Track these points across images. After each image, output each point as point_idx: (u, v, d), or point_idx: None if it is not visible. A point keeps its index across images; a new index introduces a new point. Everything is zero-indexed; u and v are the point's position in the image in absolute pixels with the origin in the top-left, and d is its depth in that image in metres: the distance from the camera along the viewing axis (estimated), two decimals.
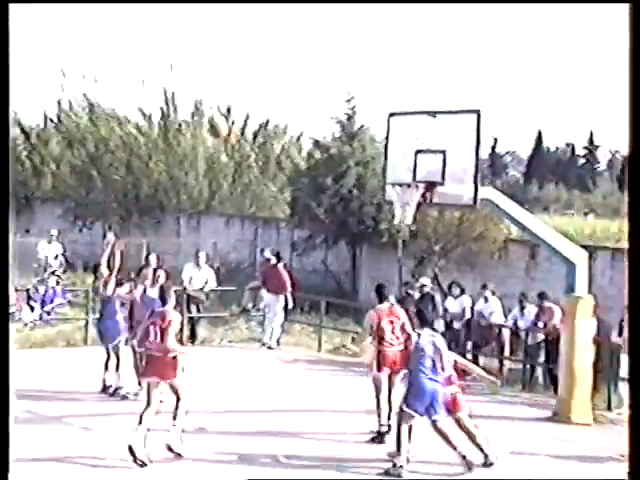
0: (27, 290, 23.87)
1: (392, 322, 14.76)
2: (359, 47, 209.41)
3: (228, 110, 41.23)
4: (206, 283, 23.64)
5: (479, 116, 15.88)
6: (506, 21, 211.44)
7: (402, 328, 14.67)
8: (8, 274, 8.98)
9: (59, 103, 43.86)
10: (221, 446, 13.89)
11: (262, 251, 25.47)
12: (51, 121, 45.16)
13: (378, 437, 14.47)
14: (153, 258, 23.68)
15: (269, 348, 22.31)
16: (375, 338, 14.73)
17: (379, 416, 14.56)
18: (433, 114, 16.37)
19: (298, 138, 41.82)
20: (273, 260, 22.83)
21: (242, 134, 40.84)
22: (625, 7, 9.21)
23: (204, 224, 36.39)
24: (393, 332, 14.68)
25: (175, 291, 19.61)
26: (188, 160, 38.27)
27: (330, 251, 30.43)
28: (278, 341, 22.65)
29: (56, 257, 27.83)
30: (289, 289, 22.49)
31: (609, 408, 16.68)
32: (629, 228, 9.58)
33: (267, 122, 41.61)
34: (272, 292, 22.47)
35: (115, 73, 46.33)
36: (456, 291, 21.33)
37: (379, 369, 14.61)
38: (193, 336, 23.21)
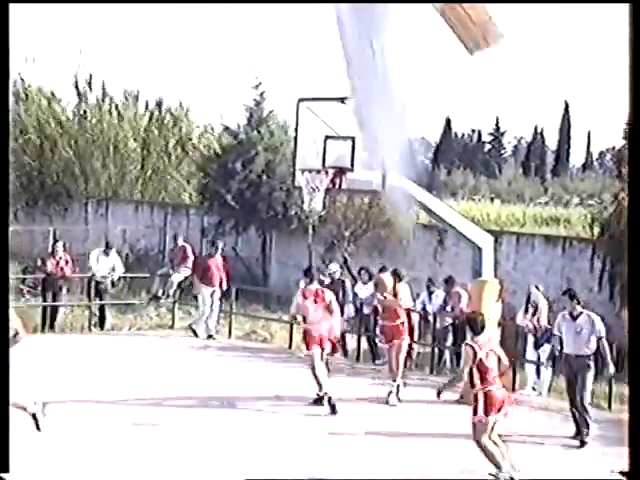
0: None
1: (316, 302, 15.56)
2: (266, 33, 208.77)
3: (136, 95, 40.92)
4: (113, 270, 23.47)
5: None
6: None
7: (327, 308, 15.57)
8: (8, 271, 8.69)
9: None
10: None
11: (175, 238, 25.39)
12: None
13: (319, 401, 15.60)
14: (58, 246, 23.53)
15: (210, 337, 22.10)
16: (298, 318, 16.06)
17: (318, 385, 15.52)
18: (342, 100, 16.43)
19: (207, 125, 41.61)
20: (213, 251, 22.63)
21: (150, 120, 40.49)
22: (625, 7, 9.19)
23: (112, 211, 36.11)
24: (316, 312, 15.51)
25: (82, 278, 19.56)
26: (96, 145, 37.90)
27: (240, 237, 30.43)
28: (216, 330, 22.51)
29: None
30: (225, 280, 22.43)
31: (513, 389, 16.97)
32: (629, 227, 9.52)
33: (180, 107, 41.29)
34: (209, 283, 22.15)
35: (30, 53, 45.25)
36: (365, 277, 21.45)
37: (308, 347, 15.58)
38: (102, 323, 23.09)
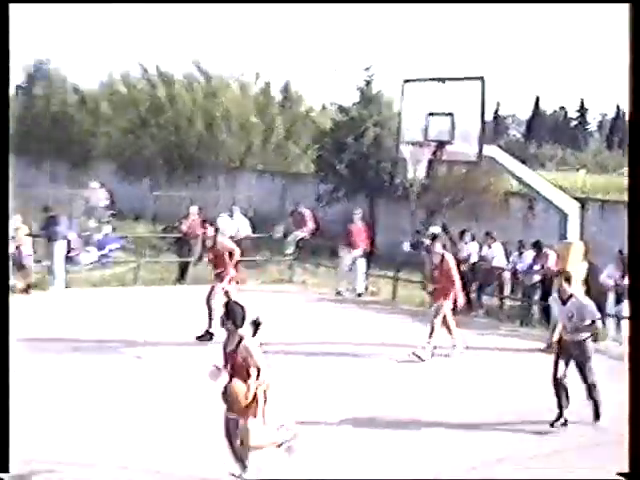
0: (85, 236, 23.94)
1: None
2: (376, 21, 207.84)
3: (257, 75, 41.11)
4: (238, 231, 23.82)
5: (483, 82, 16.06)
6: None
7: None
8: (8, 270, 8.24)
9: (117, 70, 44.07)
10: None
11: (295, 204, 25.58)
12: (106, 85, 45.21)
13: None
14: (194, 209, 23.96)
15: (359, 295, 22.15)
16: None
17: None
18: (442, 80, 16.38)
19: (323, 104, 41.78)
20: (353, 217, 22.83)
21: (271, 98, 40.67)
22: (625, 7, 8.67)
23: (239, 179, 36.40)
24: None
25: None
26: (224, 120, 38.23)
27: (350, 203, 30.44)
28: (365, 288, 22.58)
29: (106, 206, 27.87)
30: (367, 244, 22.65)
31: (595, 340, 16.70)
32: (629, 226, 9.06)
33: (299, 88, 41.51)
34: (349, 246, 22.29)
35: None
36: (467, 238, 21.35)
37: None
38: None
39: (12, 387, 12.17)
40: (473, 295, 20.28)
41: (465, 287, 19.91)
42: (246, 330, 9.08)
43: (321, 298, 21.71)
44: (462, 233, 21.76)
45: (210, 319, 16.07)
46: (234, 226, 23.79)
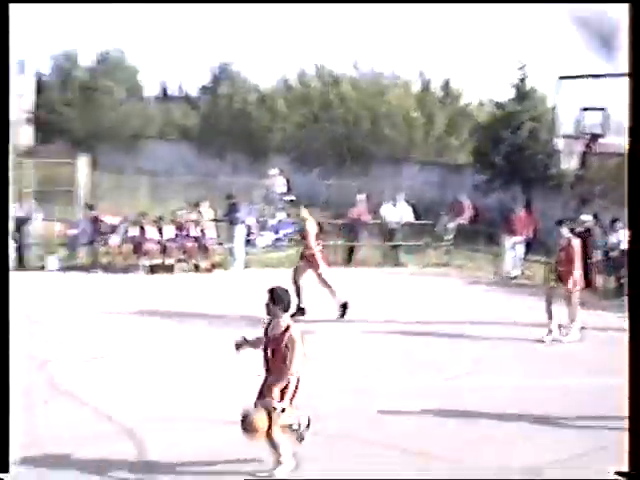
0: (262, 221, 24.38)
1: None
2: (528, 21, 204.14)
3: (420, 74, 41.03)
4: (402, 218, 23.92)
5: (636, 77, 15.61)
6: None
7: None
8: (8, 267, 7.88)
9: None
10: None
11: (454, 193, 25.49)
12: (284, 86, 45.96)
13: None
14: (362, 197, 24.15)
15: (513, 278, 22.00)
16: None
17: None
18: (596, 76, 16.05)
19: (480, 100, 41.42)
20: (516, 208, 22.74)
21: (429, 94, 40.55)
22: (625, 7, 8.05)
23: (403, 170, 36.42)
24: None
25: (377, 223, 19.78)
26: (389, 116, 38.33)
27: (506, 193, 30.11)
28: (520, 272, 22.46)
29: (282, 193, 28.29)
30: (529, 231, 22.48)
31: None
32: (629, 228, 8.70)
33: (458, 85, 41.25)
34: (511, 234, 22.18)
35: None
36: (618, 226, 20.88)
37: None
38: (396, 260, 23.51)
39: (200, 356, 12.57)
40: (623, 280, 19.80)
41: (612, 272, 19.49)
42: (289, 316, 8.68)
43: (477, 281, 21.56)
44: (613, 222, 21.28)
45: (299, 296, 16.05)
46: (397, 213, 23.87)
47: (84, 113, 53.47)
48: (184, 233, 21.19)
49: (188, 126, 49.79)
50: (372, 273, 21.95)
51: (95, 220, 20.98)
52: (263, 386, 8.59)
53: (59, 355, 12.96)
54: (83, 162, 24.32)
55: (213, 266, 21.15)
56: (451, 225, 24.13)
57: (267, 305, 8.60)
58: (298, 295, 15.95)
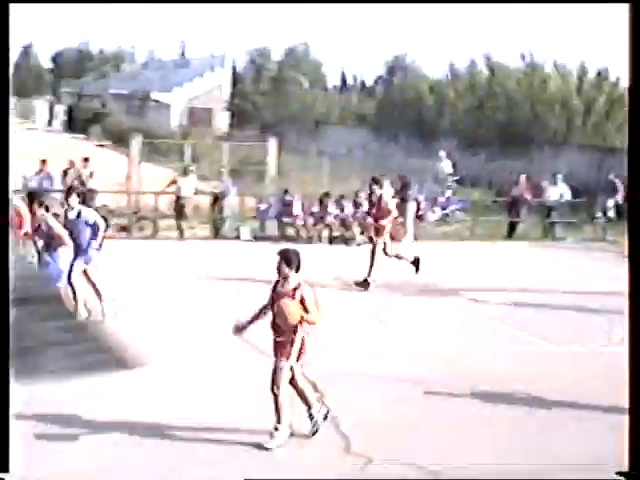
0: (432, 198, 24.24)
1: None
2: None
3: (581, 63, 39.84)
4: (561, 196, 23.49)
5: None
6: None
7: None
8: (8, 268, 7.29)
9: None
10: None
11: (611, 174, 24.77)
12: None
13: None
14: (522, 178, 23.78)
15: None
16: None
17: None
18: None
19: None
20: None
21: (588, 83, 39.32)
22: (625, 7, 7.30)
23: (562, 153, 35.53)
24: None
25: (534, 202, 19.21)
26: (549, 103, 37.50)
27: None
28: None
29: (450, 174, 28.04)
30: None
31: None
32: (629, 228, 7.79)
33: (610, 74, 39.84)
34: None
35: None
36: None
37: None
38: (554, 235, 23.05)
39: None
40: None
41: None
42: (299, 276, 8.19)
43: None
44: None
45: (371, 268, 15.54)
46: (556, 192, 23.54)
47: (273, 102, 54.55)
48: (362, 209, 21.41)
49: (365, 113, 50.04)
50: (531, 247, 21.57)
51: (283, 196, 21.40)
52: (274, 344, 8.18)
53: None
54: (272, 145, 24.83)
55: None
56: (608, 204, 23.53)
57: (278, 266, 8.14)
58: (371, 265, 15.51)
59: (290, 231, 21.25)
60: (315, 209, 21.36)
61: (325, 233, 21.25)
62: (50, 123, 71.94)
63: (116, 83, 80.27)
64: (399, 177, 22.90)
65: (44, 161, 20.96)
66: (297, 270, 8.15)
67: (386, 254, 15.55)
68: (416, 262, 15.78)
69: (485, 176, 34.39)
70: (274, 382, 7.99)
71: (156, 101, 65.09)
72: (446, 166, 27.97)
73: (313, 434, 8.24)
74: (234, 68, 65.10)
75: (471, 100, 40.48)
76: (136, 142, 24.22)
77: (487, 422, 8.79)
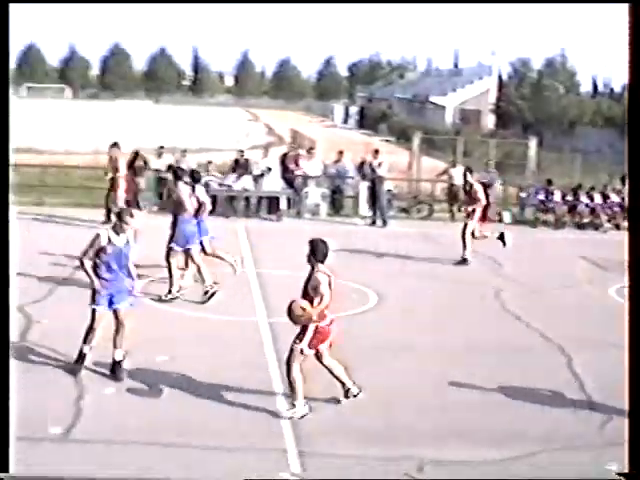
0: None
1: None
2: None
3: None
4: None
5: None
6: None
7: None
8: (8, 266, 6.23)
9: None
10: None
11: None
12: None
13: None
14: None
15: None
16: None
17: None
18: None
19: None
20: None
21: None
22: (625, 7, 6.33)
23: None
24: None
25: None
26: None
27: None
28: None
29: None
30: None
31: None
32: (629, 228, 6.72)
33: None
34: None
35: None
36: None
37: None
38: None
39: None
40: None
41: None
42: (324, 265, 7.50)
43: None
44: None
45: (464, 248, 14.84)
46: None
47: (533, 105, 53.18)
48: (609, 200, 20.65)
49: (612, 116, 47.63)
50: None
51: (547, 186, 20.98)
52: None
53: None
54: (533, 142, 24.24)
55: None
56: None
57: (308, 256, 7.56)
58: (464, 247, 14.88)
59: (546, 217, 20.75)
60: (569, 198, 20.79)
61: (576, 219, 20.66)
62: (345, 121, 74.17)
63: (400, 89, 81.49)
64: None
65: (341, 152, 21.69)
66: (320, 260, 7.48)
67: (473, 236, 15.08)
68: (502, 237, 15.07)
69: None
70: (286, 362, 7.55)
71: (433, 104, 65.47)
72: None
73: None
74: (500, 76, 64.20)
75: None
76: (417, 138, 24.58)
77: None
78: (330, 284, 7.47)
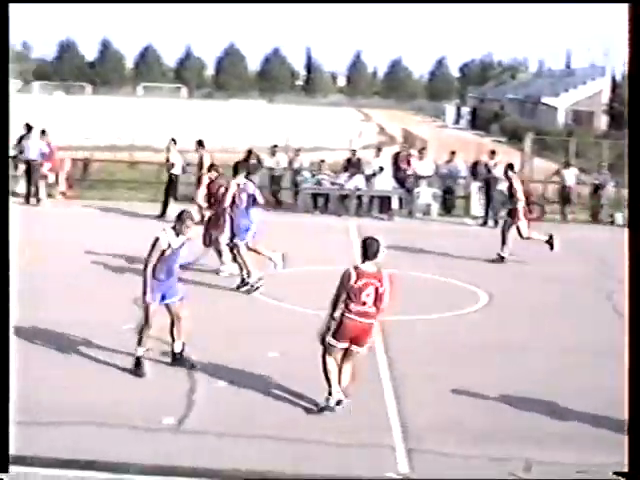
0: None
1: None
2: None
3: None
4: None
5: None
6: None
7: None
8: (8, 264, 6.03)
9: None
10: None
11: None
12: None
13: None
14: None
15: None
16: None
17: None
18: None
19: None
20: None
21: None
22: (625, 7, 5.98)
23: None
24: None
25: None
26: None
27: None
28: None
29: None
30: None
31: None
32: (629, 228, 6.25)
33: None
34: None
35: None
36: None
37: None
38: None
39: None
40: None
41: None
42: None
43: None
44: None
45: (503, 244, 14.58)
46: None
47: None
48: None
49: None
50: None
51: None
52: None
53: None
54: None
55: None
56: None
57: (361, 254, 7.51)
58: (504, 243, 14.58)
59: None
60: None
61: None
62: (457, 122, 73.33)
63: (512, 89, 79.82)
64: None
65: (453, 152, 21.47)
66: (369, 258, 7.38)
67: (521, 236, 14.62)
68: (550, 240, 14.48)
69: None
70: (321, 355, 7.54)
71: (545, 105, 63.87)
72: None
73: (320, 411, 7.46)
74: (613, 77, 62.05)
75: None
76: (528, 139, 24.09)
77: None
78: (350, 278, 7.33)
